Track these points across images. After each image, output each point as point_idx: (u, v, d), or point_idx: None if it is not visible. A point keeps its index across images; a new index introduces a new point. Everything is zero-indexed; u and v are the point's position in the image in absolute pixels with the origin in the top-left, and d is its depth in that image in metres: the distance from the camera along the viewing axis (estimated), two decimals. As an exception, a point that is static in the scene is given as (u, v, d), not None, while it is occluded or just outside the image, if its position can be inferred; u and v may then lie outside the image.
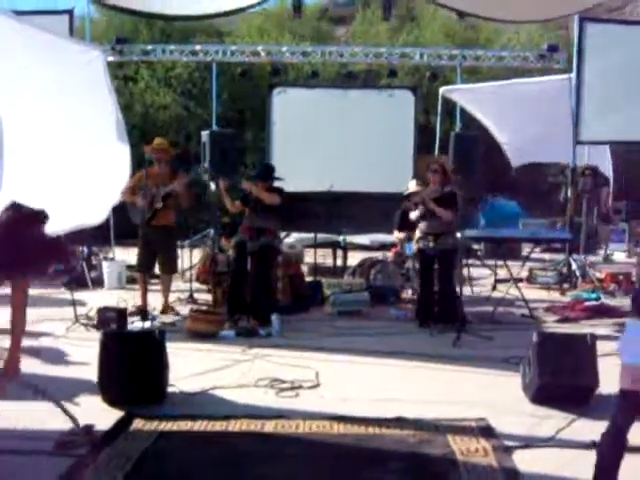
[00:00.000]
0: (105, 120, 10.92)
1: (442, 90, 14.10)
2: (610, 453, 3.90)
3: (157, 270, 9.33)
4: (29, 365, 6.40)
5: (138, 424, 5.04)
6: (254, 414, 5.27)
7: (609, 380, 4.49)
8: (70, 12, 12.01)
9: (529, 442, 4.76)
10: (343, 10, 13.91)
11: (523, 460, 4.48)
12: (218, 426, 5.04)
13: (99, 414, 5.20)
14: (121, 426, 4.99)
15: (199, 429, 5.00)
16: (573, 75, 11.39)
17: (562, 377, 5.35)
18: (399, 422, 5.08)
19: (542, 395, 5.46)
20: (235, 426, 5.03)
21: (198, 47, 14.96)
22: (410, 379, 6.34)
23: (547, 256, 14.39)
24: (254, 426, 5.03)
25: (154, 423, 5.05)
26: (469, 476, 4.21)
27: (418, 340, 7.79)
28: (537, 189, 19.03)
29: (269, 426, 5.03)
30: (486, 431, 4.92)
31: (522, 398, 5.68)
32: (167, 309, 8.96)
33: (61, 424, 4.50)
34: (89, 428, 4.79)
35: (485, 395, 5.80)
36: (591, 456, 4.03)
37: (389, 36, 23.28)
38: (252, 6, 11.16)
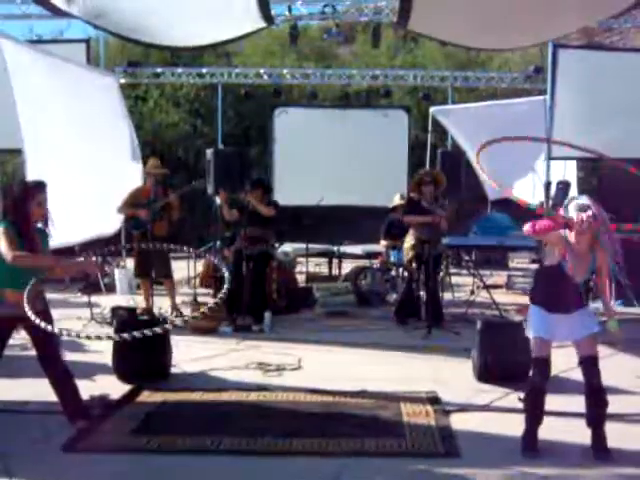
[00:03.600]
0: (120, 140, 12.04)
1: (432, 110, 15.03)
2: (534, 408, 4.92)
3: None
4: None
5: (145, 394, 6.10)
6: (242, 387, 6.33)
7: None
8: (87, 41, 13.08)
9: (467, 408, 5.79)
10: (338, 37, 14.68)
11: (459, 420, 5.52)
12: (211, 396, 6.10)
13: (113, 388, 6.24)
14: (131, 395, 6.04)
15: (195, 398, 6.06)
16: (547, 97, 12.27)
17: (500, 357, 6.36)
18: (361, 394, 6.11)
19: (485, 373, 6.47)
20: (225, 396, 6.08)
21: (204, 70, 16.05)
22: (378, 363, 7.36)
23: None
24: (241, 396, 6.08)
25: (158, 394, 6.11)
26: (410, 429, 5.23)
27: (393, 334, 8.77)
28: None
29: (254, 396, 6.09)
30: (433, 400, 5.94)
31: (470, 378, 6.68)
32: (174, 310, 9.77)
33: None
34: (104, 397, 5.85)
35: (439, 375, 6.82)
36: (516, 418, 5.07)
37: (389, 56, 24.29)
38: (252, 33, 12.16)
